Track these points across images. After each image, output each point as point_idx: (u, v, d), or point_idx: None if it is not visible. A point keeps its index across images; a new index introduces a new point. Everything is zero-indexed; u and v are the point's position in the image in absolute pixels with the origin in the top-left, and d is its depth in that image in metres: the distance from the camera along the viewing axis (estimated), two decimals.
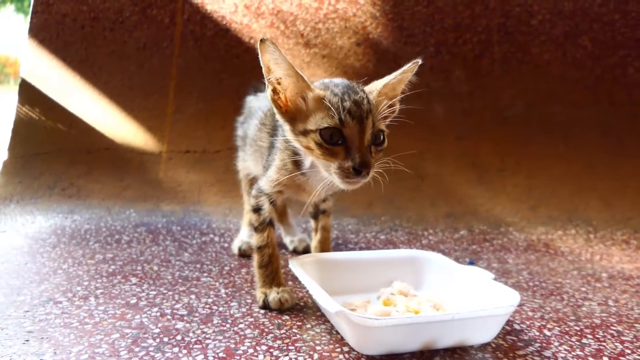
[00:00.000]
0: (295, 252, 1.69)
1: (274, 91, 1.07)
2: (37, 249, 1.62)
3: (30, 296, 1.22)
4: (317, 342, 1.02)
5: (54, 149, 2.17)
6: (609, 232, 2.09)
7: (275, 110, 1.10)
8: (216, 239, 1.83)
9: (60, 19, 2.24)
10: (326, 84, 1.10)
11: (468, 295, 1.17)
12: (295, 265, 1.21)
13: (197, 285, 1.35)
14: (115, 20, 2.25)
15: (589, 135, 2.31)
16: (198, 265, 1.52)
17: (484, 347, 1.04)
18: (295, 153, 1.17)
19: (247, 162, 1.57)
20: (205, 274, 1.44)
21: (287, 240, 1.74)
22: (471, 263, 1.71)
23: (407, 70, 1.10)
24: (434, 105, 2.31)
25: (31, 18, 2.24)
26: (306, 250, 1.68)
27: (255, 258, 1.26)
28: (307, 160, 1.16)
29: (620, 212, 2.17)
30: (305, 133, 1.05)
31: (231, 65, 2.23)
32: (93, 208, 2.04)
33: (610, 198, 2.21)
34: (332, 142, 1.02)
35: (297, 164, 1.18)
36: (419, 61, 1.10)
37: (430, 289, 1.29)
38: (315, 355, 0.96)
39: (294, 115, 1.08)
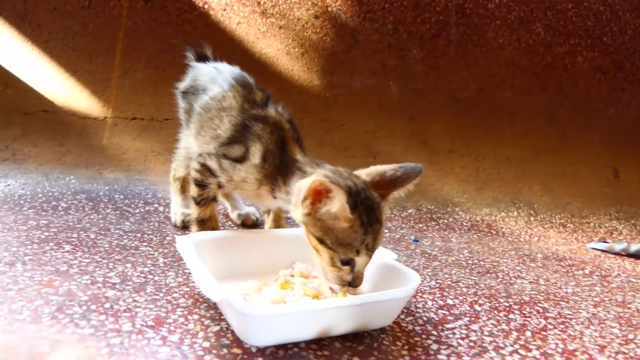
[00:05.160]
0: (244, 225, 1.67)
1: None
2: None
3: None
4: None
5: None
6: (549, 215, 2.17)
7: (302, 210, 0.99)
8: (160, 208, 1.78)
9: None
10: (354, 193, 0.96)
11: (370, 277, 1.09)
12: (185, 245, 1.04)
13: (134, 254, 1.30)
14: None
15: (535, 121, 2.38)
16: (138, 235, 1.47)
17: (414, 319, 1.06)
18: (271, 187, 1.16)
19: (189, 138, 1.47)
20: (145, 244, 1.40)
21: (234, 214, 1.71)
22: (415, 240, 1.74)
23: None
24: (390, 84, 2.31)
25: None
26: (255, 224, 1.66)
27: (195, 230, 1.24)
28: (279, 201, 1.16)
29: (559, 197, 2.26)
30: (321, 241, 1.00)
31: (183, 30, 2.15)
32: (29, 173, 1.94)
33: (551, 183, 2.30)
34: (343, 262, 1.00)
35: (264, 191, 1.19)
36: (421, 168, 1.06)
37: None
38: None
39: (314, 216, 1.00)
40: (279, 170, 1.14)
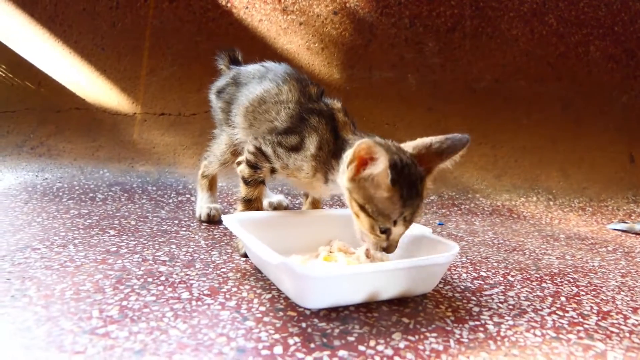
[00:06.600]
0: None
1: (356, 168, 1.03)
2: (8, 204, 1.59)
3: (6, 244, 1.21)
4: None
5: (22, 107, 2.11)
6: (567, 200, 2.22)
7: (347, 174, 1.05)
8: (193, 199, 1.84)
9: None
10: (398, 168, 0.99)
11: (409, 249, 1.14)
12: (232, 222, 1.12)
13: (176, 237, 1.36)
14: None
15: (551, 110, 2.43)
16: (176, 221, 1.53)
17: (452, 288, 1.11)
18: (325, 172, 1.19)
19: (237, 135, 1.48)
20: (184, 228, 1.46)
21: (265, 202, 1.75)
22: (440, 224, 1.79)
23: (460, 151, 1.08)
24: (408, 76, 2.37)
25: None
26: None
27: (240, 209, 1.29)
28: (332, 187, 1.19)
29: (577, 183, 2.30)
30: (362, 208, 1.04)
31: (207, 28, 2.22)
32: (65, 167, 2.01)
33: (568, 169, 2.34)
34: (381, 231, 1.04)
35: (318, 180, 1.21)
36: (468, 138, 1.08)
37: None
38: None
39: (357, 183, 1.05)
40: (333, 155, 1.18)
